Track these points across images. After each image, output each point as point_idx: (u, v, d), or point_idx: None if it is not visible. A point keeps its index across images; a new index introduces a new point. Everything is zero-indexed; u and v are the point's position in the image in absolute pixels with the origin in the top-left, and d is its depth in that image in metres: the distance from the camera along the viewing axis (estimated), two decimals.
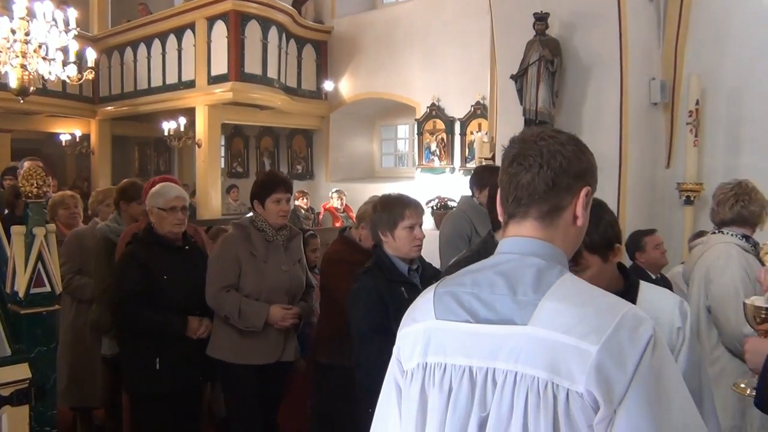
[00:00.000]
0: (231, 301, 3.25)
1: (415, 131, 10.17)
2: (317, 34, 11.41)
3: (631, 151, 5.09)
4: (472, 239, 3.89)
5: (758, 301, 1.74)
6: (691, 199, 5.21)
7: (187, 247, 3.49)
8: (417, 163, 10.16)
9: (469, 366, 1.18)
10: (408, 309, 1.35)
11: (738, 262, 2.94)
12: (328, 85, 11.39)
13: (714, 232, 3.19)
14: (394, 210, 2.78)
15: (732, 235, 3.07)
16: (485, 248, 2.23)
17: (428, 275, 2.85)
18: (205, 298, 3.32)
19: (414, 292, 2.66)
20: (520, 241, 1.24)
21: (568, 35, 5.21)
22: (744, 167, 5.20)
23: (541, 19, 5.10)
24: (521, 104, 5.27)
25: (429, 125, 9.92)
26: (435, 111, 9.79)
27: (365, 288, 2.72)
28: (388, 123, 11.75)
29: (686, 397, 1.12)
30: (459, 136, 9.56)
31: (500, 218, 1.31)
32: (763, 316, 1.71)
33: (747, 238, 3.08)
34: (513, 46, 5.37)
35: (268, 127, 12.40)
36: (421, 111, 10.01)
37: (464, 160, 9.42)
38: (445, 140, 9.71)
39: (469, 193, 4.23)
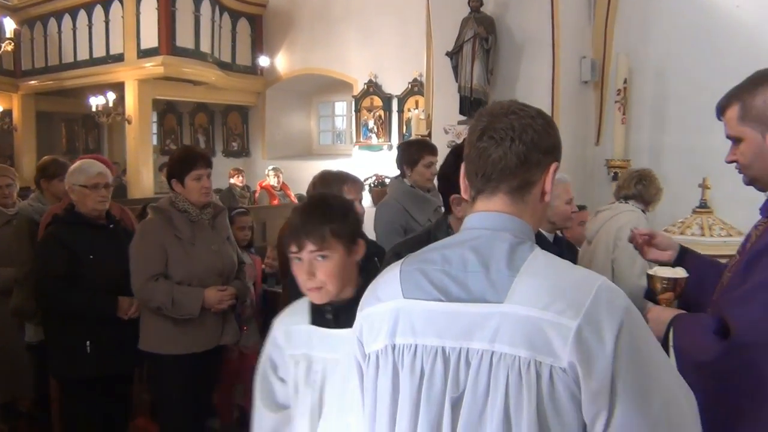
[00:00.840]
0: (161, 291, 3.04)
1: (353, 108, 10.11)
2: (252, 7, 11.13)
3: (562, 128, 5.08)
4: (408, 229, 3.62)
5: (661, 271, 1.81)
6: (619, 175, 5.37)
7: (111, 226, 3.37)
8: (355, 141, 10.12)
9: (441, 346, 1.14)
10: (368, 288, 1.30)
11: (644, 225, 3.53)
12: (263, 61, 11.16)
13: (621, 202, 3.87)
14: (332, 186, 2.76)
15: (635, 206, 3.82)
16: (437, 230, 2.21)
17: (369, 252, 2.85)
18: (132, 290, 3.13)
19: None
20: (489, 216, 1.21)
21: (502, 13, 5.25)
22: (668, 145, 5.41)
23: None
24: (456, 81, 5.30)
25: (366, 102, 9.88)
26: (372, 88, 9.76)
27: None
28: (326, 100, 11.63)
29: (664, 357, 1.16)
30: (396, 113, 9.57)
31: (464, 194, 1.27)
32: (665, 286, 1.79)
33: (643, 212, 3.85)
34: (448, 23, 5.37)
35: (202, 103, 12.09)
36: (359, 88, 9.95)
37: (402, 137, 9.44)
38: (382, 117, 9.70)
39: (398, 174, 3.99)
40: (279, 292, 4.20)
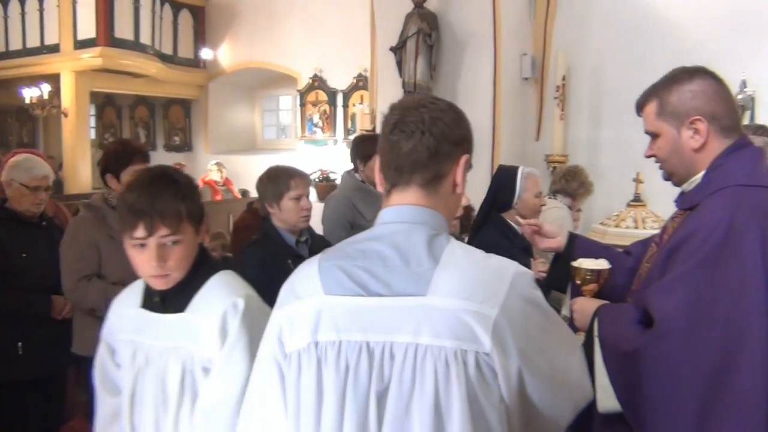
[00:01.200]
0: (95, 291, 2.87)
1: (298, 102, 10.03)
2: None
3: (503, 124, 5.30)
4: (355, 225, 3.56)
5: (585, 263, 1.84)
6: (557, 169, 5.51)
7: (44, 223, 3.25)
8: (299, 135, 10.04)
9: (365, 341, 1.15)
10: (285, 285, 1.30)
11: (569, 220, 4.04)
12: (206, 53, 10.95)
13: (549, 197, 4.11)
14: (280, 181, 2.76)
15: (561, 201, 4.20)
16: None
17: (317, 247, 2.84)
18: (63, 291, 2.98)
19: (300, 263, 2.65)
20: (405, 209, 1.23)
21: (445, 9, 5.31)
22: (604, 140, 5.59)
23: None
24: (401, 77, 5.34)
25: (311, 96, 9.81)
26: (317, 82, 9.69)
27: (251, 261, 2.69)
28: (270, 93, 11.50)
29: (565, 330, 1.28)
30: (341, 108, 9.53)
31: (380, 187, 1.29)
32: (589, 277, 1.82)
33: (569, 207, 4.22)
34: (392, 18, 5.40)
35: (142, 96, 11.76)
36: (303, 82, 9.87)
37: (347, 132, 9.41)
38: (327, 112, 9.65)
39: (350, 168, 3.92)
40: None
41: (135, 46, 9.68)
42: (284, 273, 2.55)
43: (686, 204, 1.68)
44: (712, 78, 1.65)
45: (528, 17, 5.73)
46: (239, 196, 8.80)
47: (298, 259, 2.67)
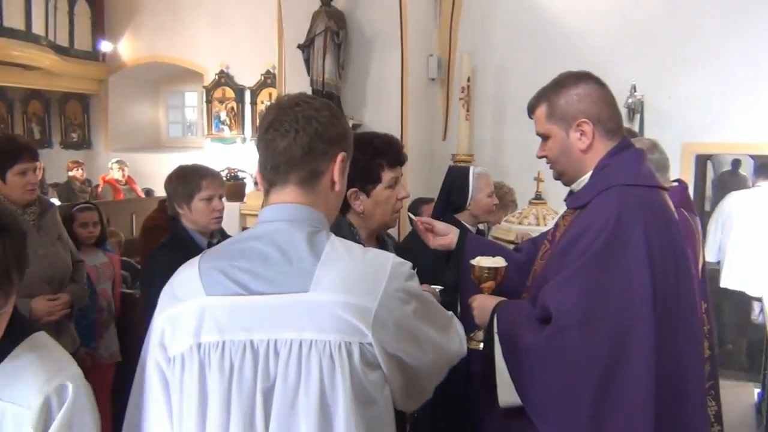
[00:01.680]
0: None
1: (204, 99, 9.77)
2: None
3: (411, 123, 5.37)
4: None
5: (483, 261, 1.86)
6: None
7: None
8: (206, 133, 9.79)
9: (249, 339, 1.15)
10: (165, 289, 1.27)
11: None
12: (105, 46, 10.47)
13: None
14: (191, 181, 2.65)
15: None
16: (338, 230, 2.08)
17: None
18: None
19: None
20: (284, 207, 1.25)
21: (353, 8, 5.31)
22: (508, 140, 5.77)
23: None
24: (309, 75, 5.29)
25: (218, 93, 9.59)
26: (224, 78, 9.48)
27: (159, 264, 2.57)
28: (175, 89, 11.14)
29: (443, 315, 1.36)
30: (250, 106, 9.37)
31: (260, 187, 1.31)
32: (487, 275, 1.85)
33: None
34: (299, 15, 5.35)
35: (36, 90, 11.10)
36: (210, 78, 9.63)
37: (255, 129, 9.27)
38: (235, 109, 9.47)
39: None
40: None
41: (26, 36, 9.11)
42: None
43: (576, 203, 1.74)
44: (596, 83, 1.72)
45: (434, 19, 5.83)
46: (143, 196, 8.47)
47: None
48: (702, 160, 7.71)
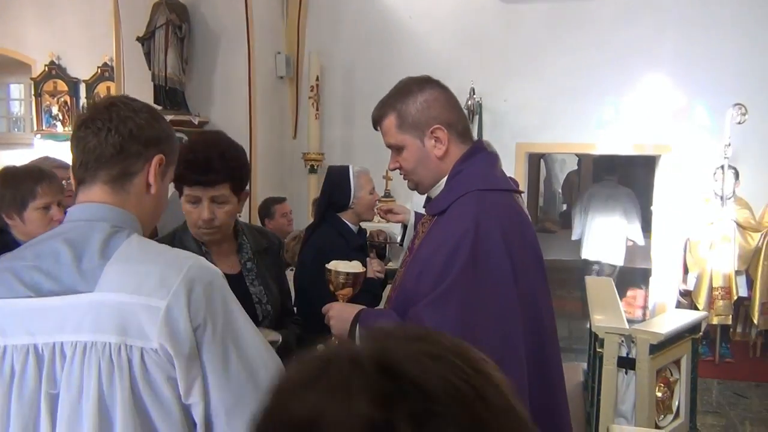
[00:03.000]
0: None
1: (32, 92, 8.96)
2: None
3: (259, 121, 5.30)
4: None
5: (341, 266, 1.74)
6: (315, 168, 5.67)
7: None
8: (35, 128, 8.99)
9: (33, 343, 1.11)
10: None
11: None
12: None
13: None
14: (21, 186, 2.29)
15: None
16: (182, 242, 1.97)
17: None
18: None
19: None
20: (88, 207, 1.21)
21: (196, 2, 5.15)
22: (357, 138, 5.88)
23: None
24: (150, 69, 5.06)
25: (49, 86, 8.81)
26: (55, 70, 8.73)
27: None
28: None
29: (244, 322, 1.22)
30: (85, 100, 8.73)
31: (74, 186, 1.28)
32: (342, 281, 1.71)
33: None
34: (138, 6, 5.10)
35: None
36: (38, 69, 8.84)
37: None
38: (69, 103, 8.75)
39: None
40: None
41: None
42: None
43: (434, 210, 1.68)
44: (439, 87, 1.68)
45: (281, 16, 5.80)
46: None
47: None
48: (535, 159, 8.34)
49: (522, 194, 1.81)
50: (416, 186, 1.74)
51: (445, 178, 1.66)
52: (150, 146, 1.23)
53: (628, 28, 5.37)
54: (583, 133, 5.56)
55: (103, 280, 1.11)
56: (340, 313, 1.66)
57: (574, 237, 6.66)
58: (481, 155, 1.68)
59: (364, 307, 1.67)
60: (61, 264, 1.13)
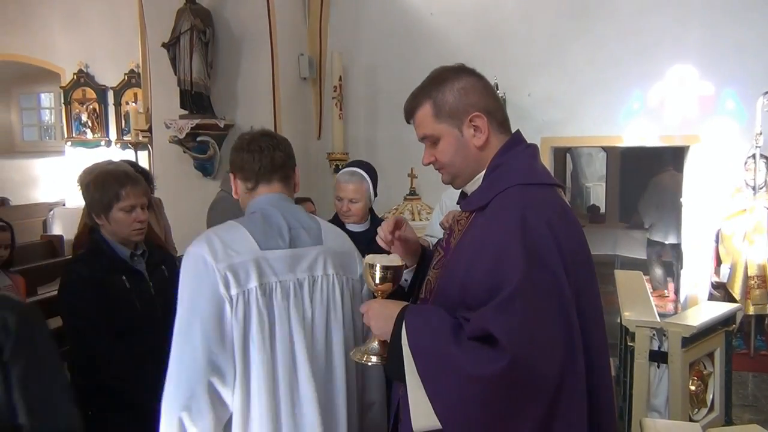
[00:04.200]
0: None
1: (62, 100, 9.15)
2: None
3: (284, 123, 5.34)
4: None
5: (379, 259, 1.60)
6: (340, 167, 5.69)
7: None
8: (66, 136, 9.18)
9: (296, 279, 1.78)
10: (218, 245, 1.71)
11: None
12: None
13: None
14: (107, 189, 2.40)
15: None
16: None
17: (155, 260, 2.55)
18: None
19: (138, 279, 2.42)
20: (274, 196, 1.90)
21: (219, 6, 5.20)
22: (381, 138, 5.90)
23: None
24: (176, 74, 5.12)
25: (78, 94, 9.00)
26: (84, 78, 8.91)
27: (72, 282, 2.37)
28: (29, 90, 10.33)
29: None
30: (113, 107, 8.89)
31: (238, 188, 1.95)
32: (384, 275, 1.56)
33: None
34: (163, 13, 5.16)
35: None
36: (67, 78, 9.02)
37: (120, 132, 8.82)
38: (97, 111, 8.93)
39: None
40: None
41: None
42: (119, 290, 2.36)
43: (471, 206, 1.58)
44: (475, 74, 1.60)
45: (303, 18, 5.83)
46: None
47: (135, 275, 2.44)
48: (561, 153, 8.27)
49: (564, 189, 1.74)
50: (453, 179, 1.63)
51: (483, 172, 1.58)
52: (292, 158, 1.95)
53: (652, 18, 5.30)
54: (609, 126, 5.50)
55: (325, 237, 1.86)
56: (381, 312, 1.51)
57: (646, 225, 7.67)
58: (521, 147, 1.59)
59: (406, 304, 1.52)
60: (301, 228, 1.84)
